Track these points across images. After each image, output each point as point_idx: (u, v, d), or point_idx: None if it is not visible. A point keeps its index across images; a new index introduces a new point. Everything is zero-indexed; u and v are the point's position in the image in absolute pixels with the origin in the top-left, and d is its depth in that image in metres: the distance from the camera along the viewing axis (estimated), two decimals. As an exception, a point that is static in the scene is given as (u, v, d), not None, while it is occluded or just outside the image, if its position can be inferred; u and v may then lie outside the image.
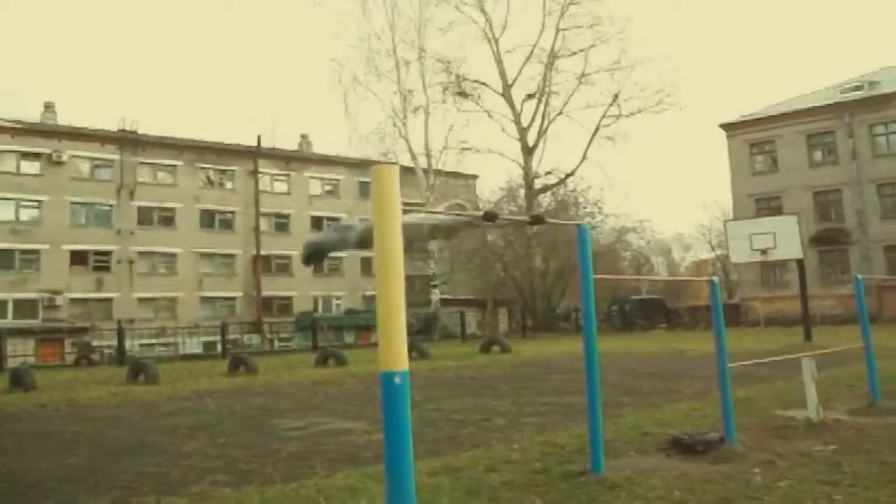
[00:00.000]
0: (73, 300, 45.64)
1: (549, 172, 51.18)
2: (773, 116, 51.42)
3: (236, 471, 7.59)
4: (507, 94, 50.43)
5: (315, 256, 6.78)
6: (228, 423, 11.34)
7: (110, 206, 48.12)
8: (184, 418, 12.05)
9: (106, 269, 47.53)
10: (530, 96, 50.67)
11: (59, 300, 44.96)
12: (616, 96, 49.48)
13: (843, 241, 47.29)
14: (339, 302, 56.46)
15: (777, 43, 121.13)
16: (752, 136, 52.03)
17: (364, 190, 56.70)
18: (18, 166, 45.64)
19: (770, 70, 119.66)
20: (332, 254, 6.72)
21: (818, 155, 49.80)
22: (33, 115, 49.19)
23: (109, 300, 47.07)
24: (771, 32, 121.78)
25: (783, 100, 53.77)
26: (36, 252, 45.25)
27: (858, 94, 48.80)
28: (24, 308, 44.04)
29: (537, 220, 6.77)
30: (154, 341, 42.05)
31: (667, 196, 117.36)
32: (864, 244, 46.45)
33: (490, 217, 6.16)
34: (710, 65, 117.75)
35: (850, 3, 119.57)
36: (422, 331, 45.44)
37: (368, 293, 53.62)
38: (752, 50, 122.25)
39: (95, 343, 40.70)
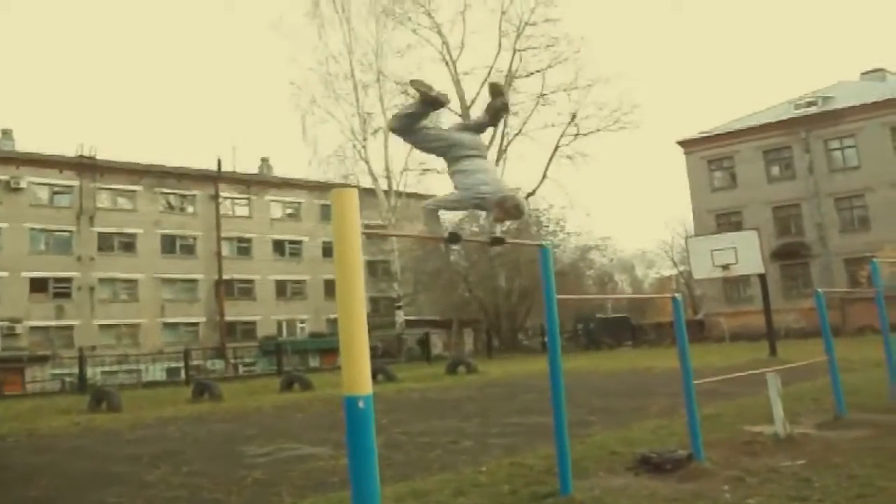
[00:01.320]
0: (34, 328, 44.96)
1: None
2: (730, 133, 51.94)
3: (200, 500, 7.47)
4: (465, 116, 50.49)
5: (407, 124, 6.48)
6: (192, 451, 11.18)
7: (70, 232, 47.56)
8: (147, 447, 11.87)
9: (66, 296, 46.91)
10: (489, 117, 50.71)
11: (18, 328, 44.25)
12: (574, 115, 49.76)
13: (803, 255, 47.78)
14: (303, 325, 56.15)
15: (733, 59, 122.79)
16: (710, 152, 52.51)
17: (325, 212, 56.54)
18: (-24, 194, 45.06)
19: (727, 87, 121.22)
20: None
21: (776, 170, 50.35)
22: (-10, 142, 48.57)
23: (70, 328, 46.43)
24: (727, 49, 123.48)
25: (740, 116, 54.37)
26: (-6, 280, 44.61)
27: (813, 110, 49.48)
28: (-17, 337, 43.33)
29: (497, 241, 6.71)
30: (116, 368, 41.42)
31: (628, 214, 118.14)
32: (825, 257, 46.96)
33: (453, 239, 6.14)
34: (668, 82, 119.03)
35: (804, 21, 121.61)
36: (387, 353, 45.23)
37: (333, 316, 53.32)
38: (710, 67, 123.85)
39: (56, 371, 40.09)
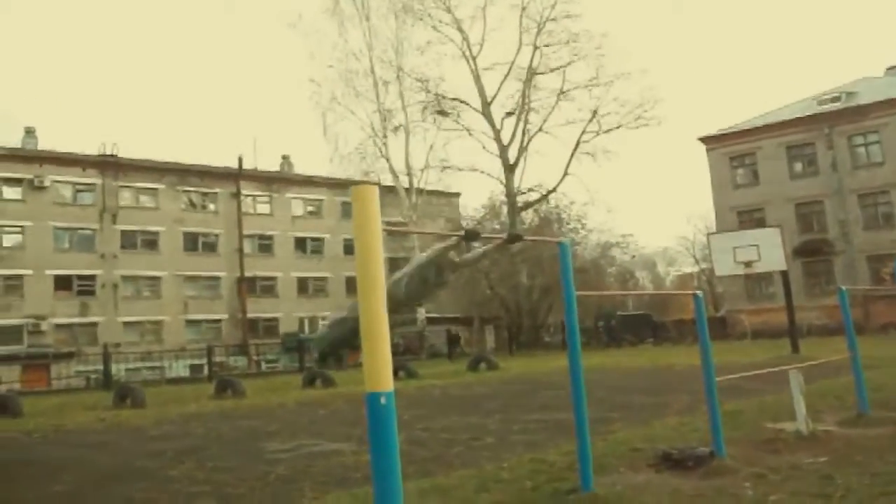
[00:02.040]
0: (58, 325, 45.38)
1: (531, 189, 51.28)
2: (752, 129, 51.66)
3: (224, 495, 7.52)
4: (486, 112, 50.50)
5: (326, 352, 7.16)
6: (216, 447, 11.24)
7: (93, 230, 47.93)
8: (171, 443, 11.94)
9: (90, 293, 47.29)
10: (510, 114, 50.78)
11: (43, 325, 44.68)
12: (595, 112, 49.64)
13: (826, 252, 47.46)
14: (324, 322, 56.23)
15: (756, 55, 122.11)
16: (732, 148, 52.25)
17: (346, 210, 56.70)
18: (0, 192, 45.43)
19: (749, 83, 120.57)
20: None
21: (799, 167, 50.04)
22: (14, 140, 49.10)
23: (94, 325, 46.81)
24: (749, 44, 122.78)
25: (762, 112, 54.04)
26: (19, 278, 45.03)
27: (836, 106, 49.13)
28: (9, 334, 43.75)
29: (515, 237, 6.69)
30: (140, 365, 41.78)
31: (650, 210, 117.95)
32: (848, 254, 46.64)
33: (472, 236, 6.16)
34: (690, 79, 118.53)
35: (827, 16, 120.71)
36: (408, 350, 45.33)
37: (354, 313, 53.40)
38: (732, 63, 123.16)
39: (81, 368, 40.43)
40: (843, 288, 10.82)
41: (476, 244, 6.59)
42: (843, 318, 10.61)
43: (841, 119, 48.08)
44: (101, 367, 36.29)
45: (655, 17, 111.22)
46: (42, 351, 42.84)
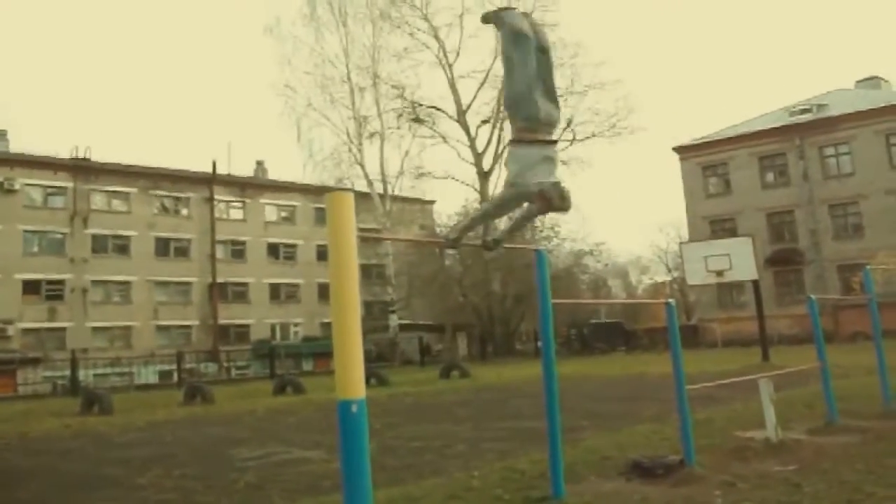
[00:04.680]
0: (25, 330, 44.81)
1: (505, 197, 51.30)
2: (725, 139, 52.10)
3: (192, 503, 7.46)
4: (461, 120, 50.62)
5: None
6: (184, 454, 11.17)
7: (63, 234, 47.44)
8: (139, 450, 11.85)
9: (59, 298, 46.78)
10: (485, 121, 50.92)
11: (10, 330, 44.12)
12: (570, 121, 49.85)
13: (797, 262, 47.87)
14: (296, 329, 56.03)
15: (729, 67, 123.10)
16: (704, 158, 52.65)
17: (320, 216, 56.52)
18: (-32, 195, 44.98)
19: (722, 94, 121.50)
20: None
21: (770, 177, 50.50)
22: (-16, 143, 48.47)
23: (63, 330, 46.29)
24: (722, 56, 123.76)
25: (735, 123, 54.47)
26: (-13, 282, 44.51)
27: (808, 117, 49.64)
28: (-25, 339, 43.20)
29: (493, 243, 6.53)
30: (108, 371, 41.32)
31: (623, 219, 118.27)
32: (819, 264, 47.08)
33: (452, 243, 6.11)
34: (664, 89, 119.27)
35: (799, 29, 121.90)
36: (380, 357, 45.24)
37: (326, 320, 53.22)
38: (705, 74, 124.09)
39: (48, 374, 39.99)
40: (813, 297, 10.91)
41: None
42: (813, 327, 10.70)
43: (812, 130, 48.57)
44: (68, 372, 35.91)
45: (630, 28, 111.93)
46: (8, 356, 42.25)
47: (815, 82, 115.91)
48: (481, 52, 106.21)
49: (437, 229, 52.83)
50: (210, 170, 53.92)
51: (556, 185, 5.46)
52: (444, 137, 50.88)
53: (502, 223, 7.03)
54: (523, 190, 5.48)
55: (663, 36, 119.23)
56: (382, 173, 47.55)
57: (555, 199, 5.45)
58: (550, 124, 5.66)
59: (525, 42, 5.54)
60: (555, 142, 5.81)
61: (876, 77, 53.29)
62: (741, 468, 7.42)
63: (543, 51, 5.67)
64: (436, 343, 52.78)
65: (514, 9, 5.67)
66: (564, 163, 50.23)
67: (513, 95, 5.65)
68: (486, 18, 5.98)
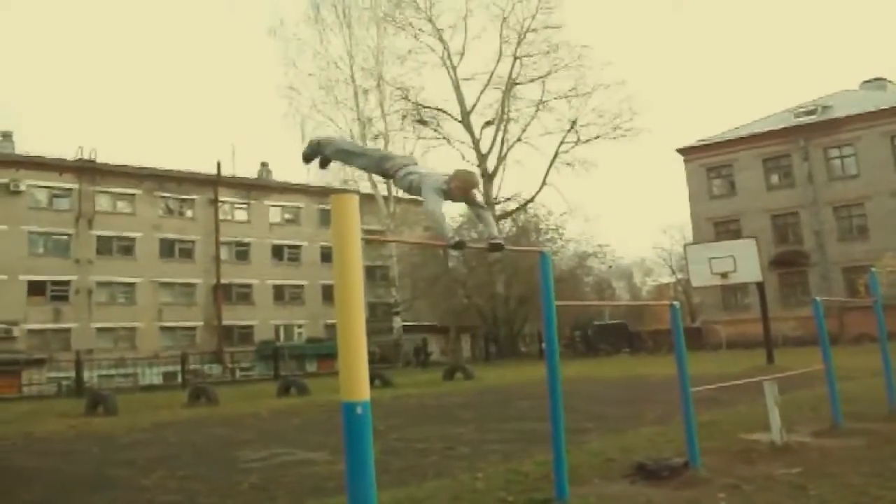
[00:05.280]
0: (31, 331, 44.89)
1: (509, 198, 51.46)
2: (729, 141, 52.06)
3: (196, 505, 7.46)
4: (465, 122, 50.67)
5: (314, 156, 6.90)
6: (188, 456, 11.16)
7: (68, 235, 47.52)
8: (143, 451, 11.84)
9: (64, 299, 46.85)
10: (489, 123, 51.00)
11: (15, 331, 44.20)
12: (574, 123, 49.94)
13: (802, 263, 47.81)
14: (300, 330, 56.07)
15: (734, 68, 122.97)
16: (709, 160, 52.61)
17: (325, 218, 56.61)
18: (-26, 197, 45.04)
19: (727, 95, 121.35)
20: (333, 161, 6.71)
21: (775, 178, 50.45)
22: (-10, 144, 48.56)
23: (67, 331, 46.37)
24: (727, 57, 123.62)
25: (739, 124, 54.45)
26: (-8, 283, 44.57)
27: (812, 119, 49.59)
28: (-21, 340, 43.27)
29: (495, 247, 6.49)
30: (113, 372, 41.39)
31: (627, 221, 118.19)
32: (823, 266, 47.02)
33: (458, 245, 6.09)
34: (668, 90, 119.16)
35: (804, 30, 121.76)
36: (384, 359, 45.26)
37: (330, 321, 53.20)
38: (710, 75, 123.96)
39: (52, 374, 40.04)
40: (818, 299, 10.87)
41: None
42: (818, 329, 10.67)
43: (817, 132, 48.51)
44: (73, 373, 35.95)
45: (635, 29, 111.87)
46: (13, 357, 42.31)
47: (820, 83, 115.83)
48: (486, 53, 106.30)
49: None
50: (215, 171, 53.99)
51: (464, 169, 6.42)
52: (447, 139, 51.03)
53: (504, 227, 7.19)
54: (432, 180, 6.12)
55: (668, 37, 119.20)
56: (386, 175, 47.55)
57: (460, 174, 6.24)
58: (413, 159, 6.71)
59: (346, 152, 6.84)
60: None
61: (881, 78, 53.21)
62: (746, 471, 7.40)
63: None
64: (434, 345, 52.67)
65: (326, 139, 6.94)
66: (569, 164, 50.37)
67: (377, 165, 6.72)
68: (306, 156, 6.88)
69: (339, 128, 47.32)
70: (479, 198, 6.42)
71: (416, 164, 6.49)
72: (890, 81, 53.08)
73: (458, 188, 6.06)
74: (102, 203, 49.27)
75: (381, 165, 6.58)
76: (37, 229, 46.36)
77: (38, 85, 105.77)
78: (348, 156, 6.81)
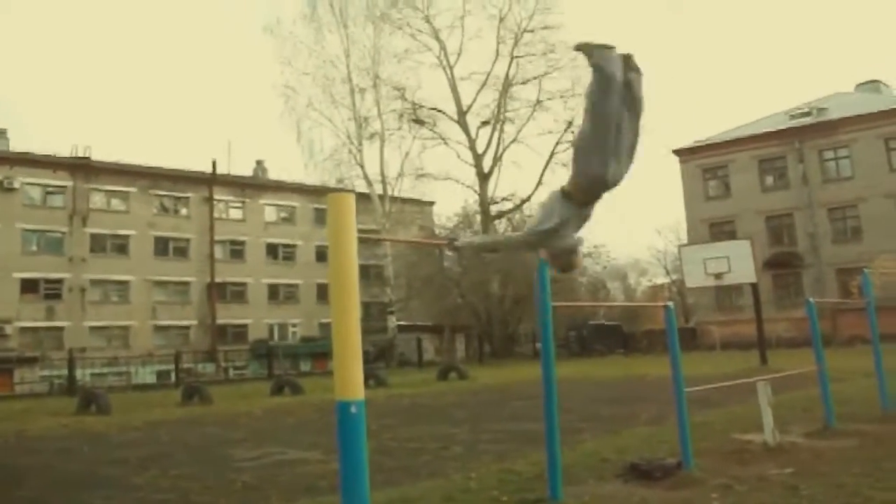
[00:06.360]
0: (23, 329, 44.77)
1: (505, 198, 51.44)
2: (725, 142, 52.15)
3: (189, 503, 7.45)
4: (462, 121, 50.60)
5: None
6: (181, 455, 11.15)
7: (62, 233, 47.41)
8: (136, 450, 11.83)
9: (57, 297, 46.74)
10: (485, 123, 50.91)
11: (8, 329, 44.07)
12: (570, 123, 49.82)
13: (796, 265, 47.90)
14: (294, 329, 56.00)
15: (730, 69, 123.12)
16: (704, 161, 52.68)
17: (320, 216, 56.62)
18: (-32, 194, 44.95)
19: (722, 96, 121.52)
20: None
21: (770, 180, 50.55)
22: (-17, 142, 48.46)
23: (60, 329, 46.25)
24: (723, 58, 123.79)
25: (735, 126, 54.53)
26: (-15, 280, 44.48)
27: (807, 120, 49.69)
28: (-28, 338, 43.19)
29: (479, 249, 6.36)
30: (106, 371, 41.25)
31: (622, 221, 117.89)
32: (817, 267, 47.10)
33: (454, 245, 6.07)
34: (664, 91, 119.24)
35: (800, 31, 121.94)
36: (378, 358, 45.20)
37: (324, 320, 53.15)
38: (706, 76, 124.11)
39: (45, 373, 39.95)
40: (812, 300, 10.91)
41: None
42: (811, 330, 10.70)
43: (812, 134, 48.62)
44: (66, 372, 35.84)
45: (632, 31, 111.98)
46: (6, 355, 42.19)
47: (815, 86, 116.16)
48: (482, 53, 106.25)
49: (437, 230, 52.86)
50: (210, 169, 53.91)
51: (576, 249, 5.22)
52: (444, 139, 50.91)
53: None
54: (540, 240, 5.15)
55: (664, 38, 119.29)
56: (382, 174, 47.57)
57: (563, 262, 5.27)
58: (610, 186, 5.05)
59: (611, 90, 4.81)
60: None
61: (876, 81, 53.35)
62: (739, 471, 7.42)
63: (634, 102, 4.99)
64: (429, 345, 52.56)
65: (613, 48, 4.84)
66: (565, 165, 50.33)
67: (583, 145, 4.96)
68: (580, 48, 4.99)
69: (334, 126, 47.20)
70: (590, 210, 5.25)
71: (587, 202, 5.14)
72: (885, 84, 53.24)
73: (553, 262, 5.36)
74: (96, 201, 49.16)
75: (585, 168, 4.95)
76: (30, 227, 46.23)
77: (33, 82, 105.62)
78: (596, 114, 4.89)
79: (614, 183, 5.01)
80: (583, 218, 5.12)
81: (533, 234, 5.11)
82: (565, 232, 5.03)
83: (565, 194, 5.03)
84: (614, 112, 4.83)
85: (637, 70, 5.00)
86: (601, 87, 4.79)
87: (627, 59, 4.99)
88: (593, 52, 4.87)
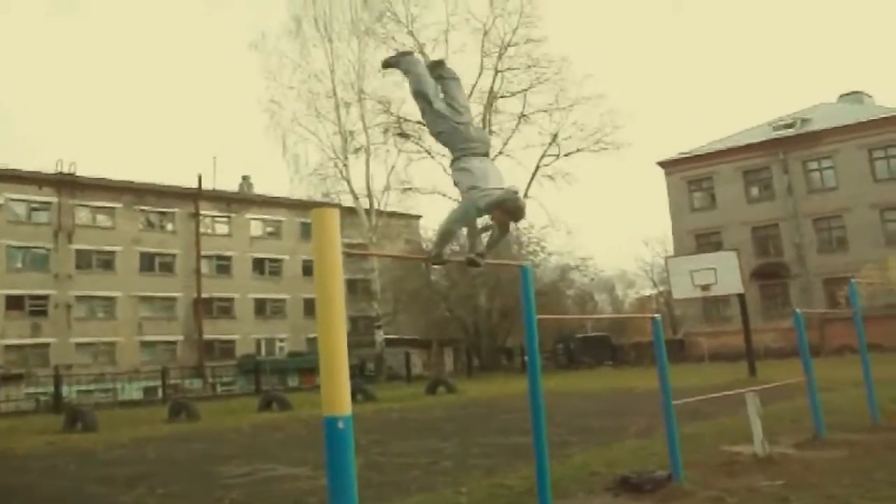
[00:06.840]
0: (8, 346, 44.51)
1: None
2: (709, 154, 52.33)
3: (176, 521, 7.40)
4: (445, 132, 50.57)
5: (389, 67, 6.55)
6: (169, 472, 11.07)
7: (48, 249, 47.20)
8: (123, 467, 11.75)
9: (43, 313, 46.50)
10: (470, 136, 50.88)
11: (-7, 347, 43.85)
12: (555, 136, 50.02)
13: (782, 275, 48.06)
14: (282, 344, 55.86)
15: (713, 81, 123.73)
16: (689, 173, 52.86)
17: (306, 231, 56.44)
18: (-48, 211, 44.74)
19: (707, 108, 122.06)
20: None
21: (755, 191, 50.74)
22: (-33, 158, 48.33)
23: (46, 346, 45.99)
24: (707, 71, 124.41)
25: (719, 137, 54.75)
26: (-31, 298, 44.22)
27: (791, 132, 49.93)
28: (-43, 355, 42.91)
29: (473, 262, 6.41)
30: (92, 387, 41.04)
31: (609, 233, 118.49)
32: (804, 278, 47.25)
33: (437, 261, 6.07)
34: (649, 103, 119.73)
35: (783, 43, 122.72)
36: (364, 372, 45.08)
37: (312, 335, 52.99)
38: (691, 88, 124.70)
39: (30, 390, 39.68)
40: (799, 311, 10.92)
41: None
42: (799, 340, 10.71)
43: (796, 144, 48.85)
44: (51, 389, 35.62)
45: (615, 43, 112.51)
46: (-10, 373, 41.95)
47: (798, 97, 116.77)
48: (467, 67, 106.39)
49: (424, 244, 52.80)
50: (195, 185, 53.80)
51: (514, 191, 5.80)
52: (429, 152, 50.91)
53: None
54: (480, 196, 5.68)
55: (649, 50, 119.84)
56: (368, 188, 47.50)
57: (509, 205, 5.67)
58: (484, 142, 6.16)
59: (426, 80, 6.13)
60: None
61: (859, 92, 53.64)
62: (729, 483, 7.40)
63: (451, 80, 6.27)
64: (417, 359, 52.46)
65: (411, 53, 6.21)
66: (550, 177, 50.49)
67: (446, 126, 6.06)
68: (387, 64, 6.40)
69: (319, 140, 47.13)
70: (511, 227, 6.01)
71: (484, 154, 6.08)
72: (867, 95, 53.54)
73: (501, 215, 5.80)
74: (82, 217, 48.99)
75: (450, 140, 6.06)
76: (15, 243, 46.01)
77: (17, 97, 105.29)
78: (421, 101, 6.18)
79: (481, 139, 6.16)
80: (493, 169, 5.98)
81: (465, 196, 5.81)
82: (487, 182, 5.72)
83: (459, 158, 5.99)
84: (435, 89, 6.12)
85: (454, 77, 6.27)
86: (419, 82, 6.09)
87: (440, 65, 6.26)
88: (399, 61, 6.17)
